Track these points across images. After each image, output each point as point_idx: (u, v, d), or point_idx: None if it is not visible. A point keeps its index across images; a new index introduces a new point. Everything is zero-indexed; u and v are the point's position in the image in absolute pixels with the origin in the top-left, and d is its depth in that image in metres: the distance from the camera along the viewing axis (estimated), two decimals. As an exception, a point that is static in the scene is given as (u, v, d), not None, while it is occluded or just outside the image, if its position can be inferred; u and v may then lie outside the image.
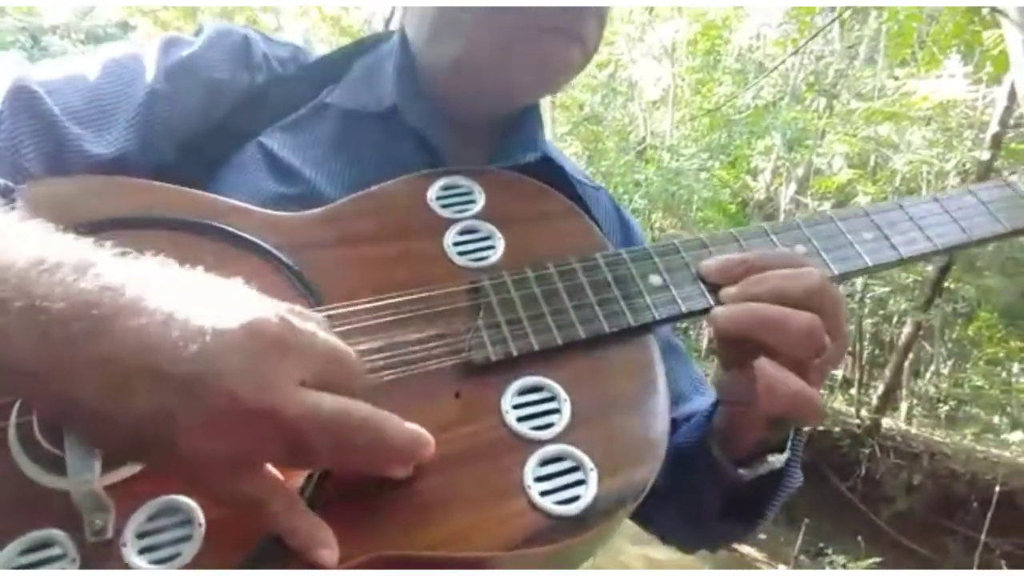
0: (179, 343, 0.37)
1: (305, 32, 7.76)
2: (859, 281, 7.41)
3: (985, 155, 5.74)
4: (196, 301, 0.39)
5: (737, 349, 0.56)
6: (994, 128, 5.60)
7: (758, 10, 6.93)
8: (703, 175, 7.14)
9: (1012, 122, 5.71)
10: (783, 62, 6.32)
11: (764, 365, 0.53)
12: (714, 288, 0.57)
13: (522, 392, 0.51)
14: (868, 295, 7.12)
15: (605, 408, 0.51)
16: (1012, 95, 4.42)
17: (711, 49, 7.93)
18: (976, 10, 3.73)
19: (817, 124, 6.67)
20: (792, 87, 7.17)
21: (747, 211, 8.18)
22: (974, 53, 5.52)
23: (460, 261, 0.58)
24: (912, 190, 7.87)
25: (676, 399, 0.77)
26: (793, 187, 7.44)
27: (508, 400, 0.50)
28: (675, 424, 0.75)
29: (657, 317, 0.55)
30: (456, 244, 0.59)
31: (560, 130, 9.05)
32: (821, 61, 7.26)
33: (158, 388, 0.36)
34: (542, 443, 0.48)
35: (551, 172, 0.75)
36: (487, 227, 0.60)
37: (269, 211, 0.60)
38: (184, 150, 0.66)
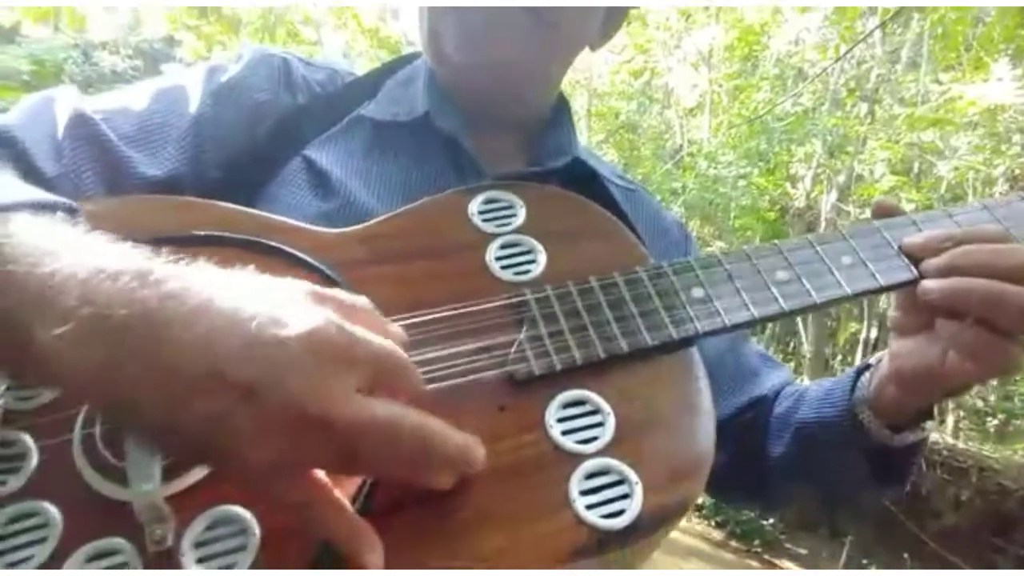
0: (239, 350, 0.38)
1: (344, 44, 7.89)
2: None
3: (1035, 161, 5.57)
4: (255, 306, 0.40)
5: (928, 318, 0.60)
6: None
7: (797, 15, 6.84)
8: (741, 183, 7.05)
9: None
10: (824, 71, 6.22)
11: (980, 333, 0.56)
12: (755, 302, 0.57)
13: (566, 406, 0.51)
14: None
15: (649, 422, 0.51)
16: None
17: (749, 55, 7.84)
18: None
19: (859, 130, 6.54)
20: (832, 93, 7.05)
21: (786, 219, 8.06)
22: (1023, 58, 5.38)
23: (503, 275, 0.59)
24: (958, 197, 7.67)
25: (752, 375, 0.82)
26: (834, 194, 7.30)
27: (552, 413, 0.51)
28: (762, 401, 0.80)
29: (700, 330, 0.55)
30: (498, 258, 0.60)
31: (596, 138, 9.03)
32: (863, 66, 7.13)
33: (219, 394, 0.37)
34: (586, 456, 0.49)
35: (585, 175, 0.77)
36: (529, 241, 0.61)
37: (315, 228, 0.61)
38: (232, 169, 0.69)
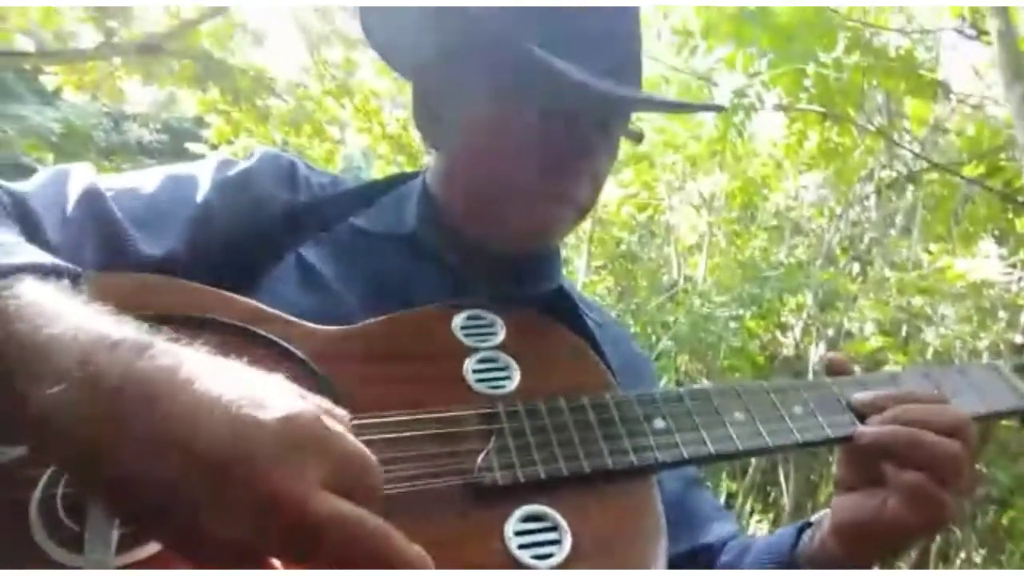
0: (218, 426, 0.40)
1: (364, 148, 8.22)
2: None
3: (1019, 338, 5.68)
4: (240, 390, 0.42)
5: (869, 473, 0.64)
6: (1028, 313, 5.59)
7: (796, 172, 7.18)
8: (732, 324, 7.15)
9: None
10: (818, 228, 6.46)
11: (916, 478, 0.60)
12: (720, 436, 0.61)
13: (526, 519, 0.53)
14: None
15: (604, 545, 0.53)
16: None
17: (748, 203, 8.16)
18: (1010, 197, 3.85)
19: (850, 288, 6.72)
20: (826, 249, 7.29)
21: (775, 365, 8.11)
22: (1008, 238, 5.61)
23: (478, 387, 0.62)
24: (944, 363, 7.77)
25: (704, 521, 0.84)
26: (823, 347, 7.38)
27: (512, 526, 0.52)
28: (708, 549, 0.82)
29: (659, 459, 0.58)
30: (476, 371, 0.63)
31: (595, 263, 9.24)
32: (857, 227, 7.40)
33: (191, 467, 0.39)
34: (540, 572, 0.50)
35: (564, 304, 0.81)
36: (505, 358, 0.65)
37: (307, 323, 0.65)
38: (228, 257, 0.74)
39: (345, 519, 0.40)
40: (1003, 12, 3.21)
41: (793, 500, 7.59)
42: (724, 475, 8.85)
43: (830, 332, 7.56)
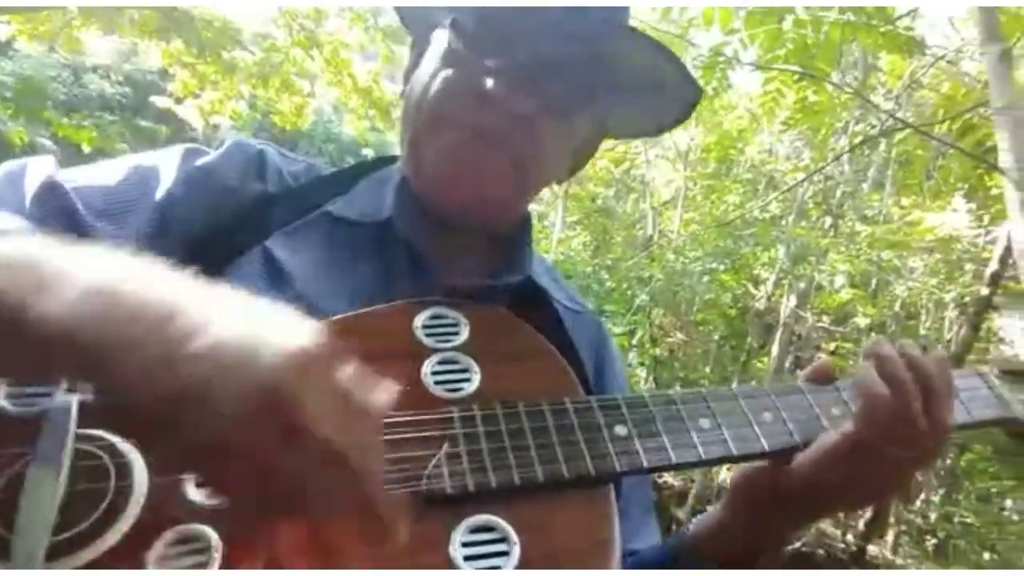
0: (235, 341, 0.39)
1: (335, 101, 8.03)
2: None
3: (984, 291, 5.81)
4: (254, 313, 0.43)
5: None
6: (994, 266, 5.69)
7: (770, 127, 7.16)
8: (705, 278, 7.21)
9: (1011, 262, 5.80)
10: (795, 186, 6.48)
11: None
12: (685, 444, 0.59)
13: (474, 530, 0.52)
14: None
15: (553, 559, 0.52)
16: (1007, 251, 4.51)
17: (724, 158, 8.15)
18: (981, 158, 3.87)
19: (821, 242, 6.78)
20: (799, 204, 7.32)
21: (746, 318, 8.22)
22: (978, 193, 5.67)
23: (435, 390, 0.61)
24: (912, 316, 7.92)
25: (636, 525, 0.80)
26: (794, 300, 7.49)
27: (458, 536, 0.52)
28: (632, 554, 0.79)
29: (618, 469, 0.57)
30: (434, 373, 0.62)
31: (570, 218, 9.22)
32: (829, 181, 7.44)
33: (202, 373, 0.38)
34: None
35: (536, 293, 0.79)
36: (466, 360, 0.63)
37: None
38: (193, 249, 0.71)
39: (364, 443, 0.41)
40: (980, -31, 3.17)
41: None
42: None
43: (801, 285, 7.67)
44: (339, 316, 0.65)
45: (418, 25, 0.82)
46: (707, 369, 8.47)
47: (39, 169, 0.68)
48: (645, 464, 0.58)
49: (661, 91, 0.78)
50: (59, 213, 0.65)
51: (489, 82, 0.68)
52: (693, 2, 3.86)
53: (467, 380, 0.62)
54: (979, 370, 0.75)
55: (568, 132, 0.75)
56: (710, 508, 0.71)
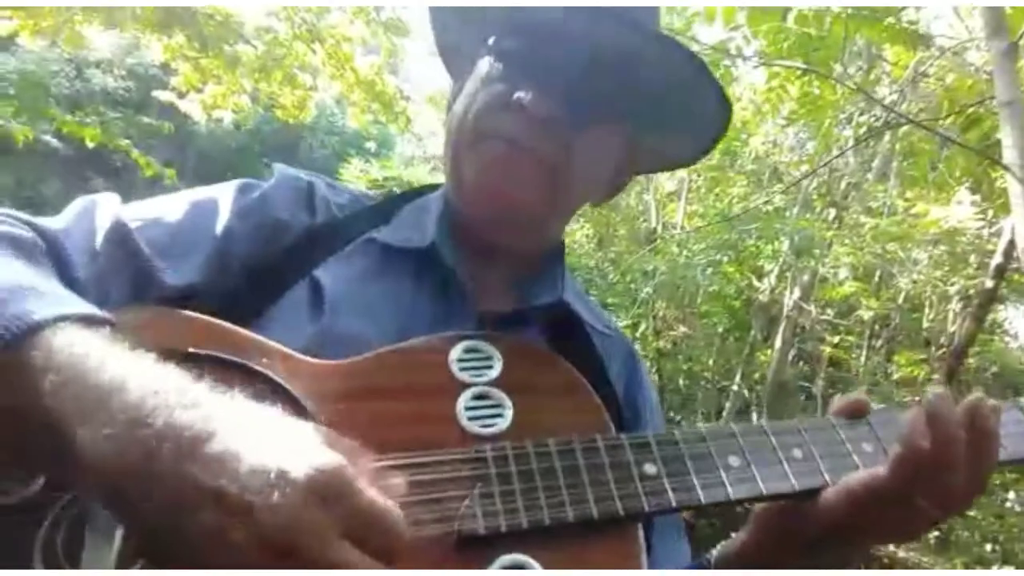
0: (248, 475, 0.44)
1: (338, 95, 8.01)
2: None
3: (989, 283, 5.81)
4: (269, 441, 0.46)
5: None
6: (998, 259, 5.69)
7: (775, 120, 7.15)
8: (709, 270, 7.22)
9: (1015, 255, 5.80)
10: (800, 179, 6.46)
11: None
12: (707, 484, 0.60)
13: (505, 567, 0.54)
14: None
15: None
16: (1012, 244, 4.50)
17: (728, 149, 8.13)
18: (985, 153, 3.86)
19: (825, 234, 6.78)
20: (804, 196, 7.32)
21: (750, 310, 8.23)
22: (983, 187, 5.66)
23: (469, 426, 0.62)
24: (916, 308, 7.93)
25: (668, 548, 0.80)
26: (797, 292, 7.50)
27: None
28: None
29: (646, 508, 0.58)
30: (468, 408, 0.63)
31: (574, 211, 9.20)
32: (834, 173, 7.43)
33: (220, 508, 0.43)
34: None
35: (567, 316, 0.81)
36: (499, 395, 0.65)
37: (303, 357, 0.65)
38: (248, 280, 0.75)
39: (355, 566, 0.43)
40: (986, -36, 3.15)
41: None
42: (699, 415, 9.08)
43: (805, 278, 7.67)
44: (376, 352, 0.67)
45: (457, 61, 0.87)
46: (710, 361, 8.49)
47: (108, 208, 0.73)
48: (673, 503, 0.58)
49: (695, 109, 0.80)
50: (126, 253, 0.70)
51: (524, 96, 0.72)
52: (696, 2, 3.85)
53: (500, 416, 0.63)
54: (1019, 403, 0.72)
55: (602, 145, 0.78)
56: (733, 535, 0.72)
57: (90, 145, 7.16)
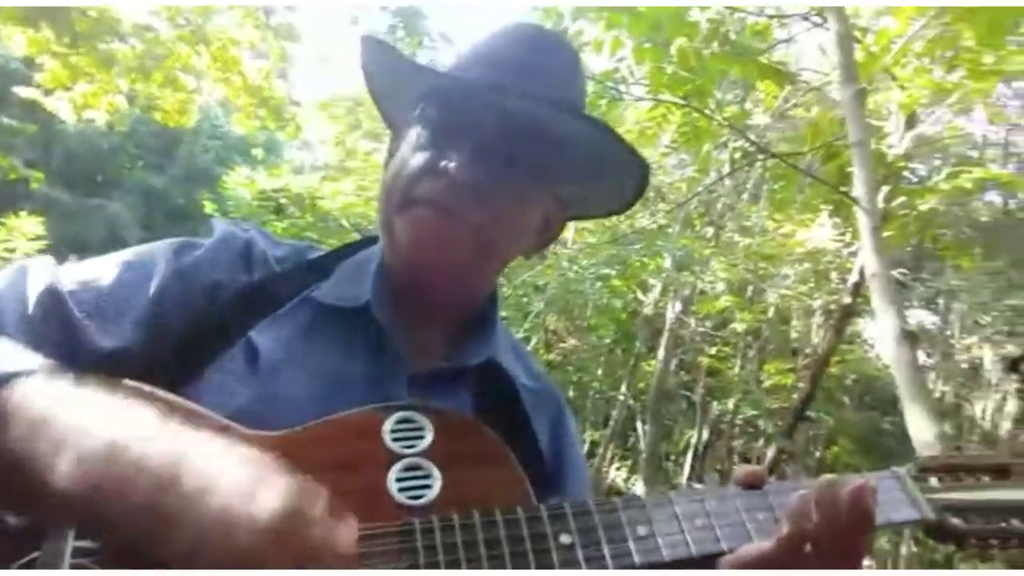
0: (218, 510, 0.52)
1: (223, 99, 7.70)
2: (731, 403, 7.88)
3: (847, 299, 6.35)
4: (235, 482, 0.54)
5: None
6: (855, 277, 6.24)
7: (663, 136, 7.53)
8: (598, 284, 7.48)
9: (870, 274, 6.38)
10: (685, 202, 6.83)
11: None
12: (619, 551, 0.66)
13: None
14: (739, 416, 7.55)
15: None
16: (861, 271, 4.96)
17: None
18: (837, 188, 4.26)
19: (704, 252, 7.18)
20: (685, 215, 7.72)
21: (635, 323, 8.59)
22: (842, 212, 6.19)
23: (399, 497, 0.65)
24: (784, 320, 8.54)
25: None
26: (679, 306, 7.90)
27: None
28: None
29: None
30: (399, 479, 0.66)
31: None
32: (712, 194, 7.89)
33: (192, 540, 0.51)
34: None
35: (497, 373, 0.86)
36: (429, 466, 0.68)
37: (238, 428, 0.66)
38: (182, 344, 0.75)
39: None
40: (843, 17, 3.49)
41: (649, 449, 8.19)
42: (587, 424, 9.35)
43: (686, 292, 8.10)
44: (308, 424, 0.69)
45: (396, 119, 0.91)
46: (599, 372, 8.78)
47: (40, 272, 0.73)
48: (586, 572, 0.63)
49: (608, 167, 0.86)
50: (58, 319, 0.71)
51: (449, 163, 0.76)
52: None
53: (428, 487, 0.67)
54: (894, 472, 0.78)
55: (524, 204, 0.83)
56: None
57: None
